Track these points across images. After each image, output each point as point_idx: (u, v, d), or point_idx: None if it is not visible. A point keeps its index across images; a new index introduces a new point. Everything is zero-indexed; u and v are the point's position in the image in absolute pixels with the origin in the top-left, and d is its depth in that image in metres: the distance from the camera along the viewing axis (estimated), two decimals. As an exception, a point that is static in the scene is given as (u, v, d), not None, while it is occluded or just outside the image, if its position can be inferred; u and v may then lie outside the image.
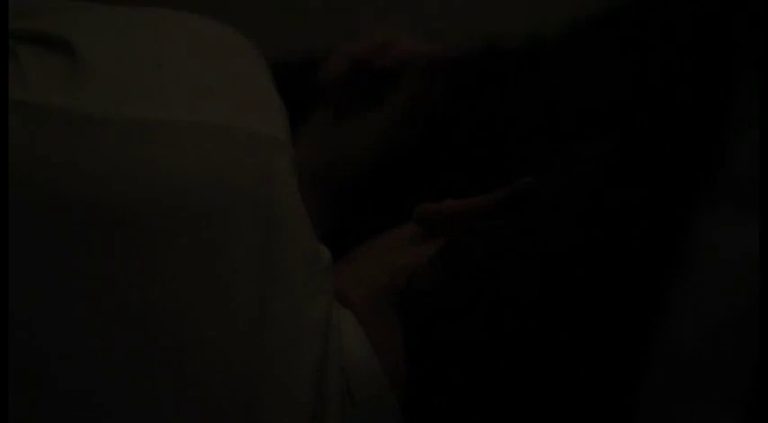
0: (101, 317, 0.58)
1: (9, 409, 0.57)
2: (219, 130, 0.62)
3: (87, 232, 0.58)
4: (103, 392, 0.58)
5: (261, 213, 0.61)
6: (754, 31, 0.79)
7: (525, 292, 0.68)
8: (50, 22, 0.65)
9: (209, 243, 0.60)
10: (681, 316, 0.70)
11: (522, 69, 0.94)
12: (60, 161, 0.58)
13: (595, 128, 0.81)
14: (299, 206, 0.64)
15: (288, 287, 0.62)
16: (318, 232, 0.66)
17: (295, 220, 0.63)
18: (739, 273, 0.71)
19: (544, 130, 0.85)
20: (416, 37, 0.92)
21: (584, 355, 0.70)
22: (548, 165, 0.80)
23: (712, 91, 0.78)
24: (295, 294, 0.62)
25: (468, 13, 1.36)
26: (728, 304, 0.70)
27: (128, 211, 0.58)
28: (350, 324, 0.66)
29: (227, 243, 0.60)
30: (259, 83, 0.68)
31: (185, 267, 0.59)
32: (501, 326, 0.67)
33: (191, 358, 0.59)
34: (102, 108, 0.60)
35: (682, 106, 0.78)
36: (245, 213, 0.61)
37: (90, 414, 0.58)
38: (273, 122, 0.65)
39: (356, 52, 0.90)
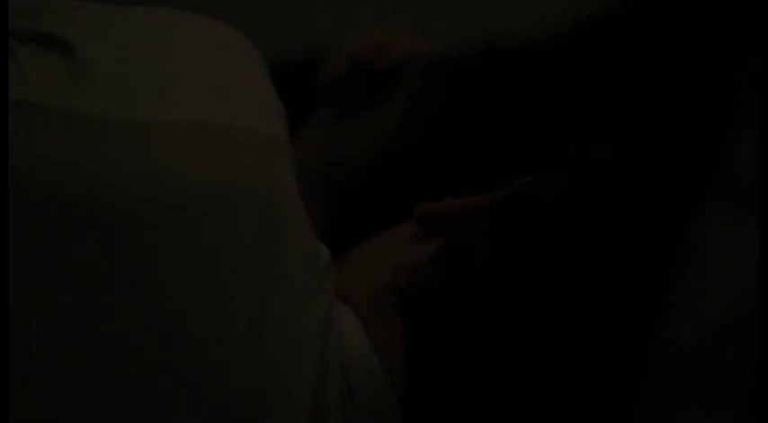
0: (101, 317, 0.58)
1: (9, 410, 0.57)
2: (219, 130, 0.62)
3: (87, 232, 0.58)
4: (103, 393, 0.58)
5: (261, 213, 0.61)
6: (754, 30, 0.79)
7: (525, 292, 0.68)
8: (50, 22, 0.65)
9: (209, 243, 0.60)
10: (681, 316, 0.70)
11: (522, 69, 0.94)
12: (60, 161, 0.58)
13: (595, 128, 0.81)
14: (299, 206, 0.64)
15: (288, 287, 0.62)
16: (318, 232, 0.66)
17: (295, 220, 0.63)
18: (739, 273, 0.71)
19: (544, 129, 0.85)
20: (416, 37, 0.92)
21: (585, 356, 0.70)
22: (548, 165, 0.80)
23: (712, 91, 0.78)
24: (295, 294, 0.62)
25: (468, 13, 1.36)
26: (728, 304, 0.70)
27: (128, 210, 0.58)
28: (349, 321, 0.66)
29: (227, 243, 0.60)
30: (258, 83, 0.68)
31: (185, 267, 0.59)
32: (501, 326, 0.67)
33: (191, 358, 0.59)
34: (102, 108, 0.60)
35: (682, 106, 0.78)
36: (245, 213, 0.61)
37: (90, 414, 0.58)
38: (273, 122, 0.65)
39: (356, 52, 0.90)
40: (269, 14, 1.36)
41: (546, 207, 0.72)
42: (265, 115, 0.65)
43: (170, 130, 0.61)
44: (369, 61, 0.90)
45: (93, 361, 0.58)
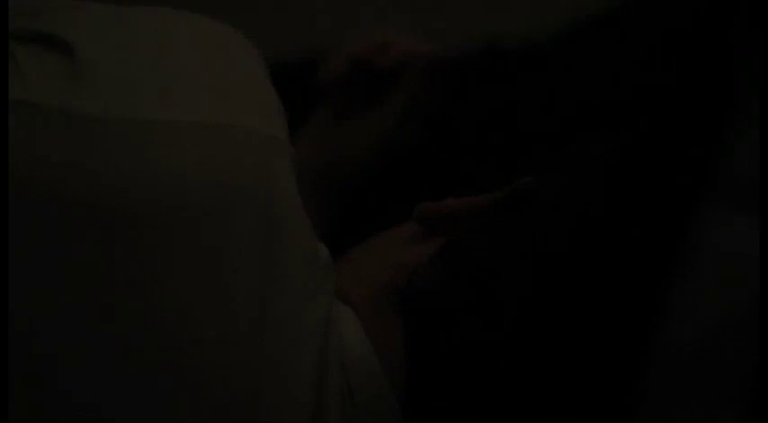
0: (101, 317, 0.58)
1: (9, 410, 0.57)
2: (219, 130, 0.62)
3: (87, 232, 0.58)
4: (103, 393, 0.58)
5: (261, 213, 0.61)
6: (754, 30, 0.79)
7: (525, 292, 0.68)
8: (50, 22, 0.65)
9: (209, 243, 0.60)
10: (681, 316, 0.70)
11: (522, 69, 0.94)
12: (60, 161, 0.58)
13: (595, 128, 0.81)
14: (298, 206, 0.64)
15: (288, 287, 0.62)
16: (318, 232, 0.66)
17: (295, 220, 0.63)
18: (739, 272, 0.71)
19: (544, 129, 0.85)
20: (416, 37, 0.92)
21: (585, 356, 0.70)
22: (548, 165, 0.80)
23: (712, 91, 0.78)
24: (295, 294, 0.62)
25: (468, 13, 1.36)
26: (728, 304, 0.70)
27: (128, 210, 0.58)
28: (349, 321, 0.66)
29: (227, 243, 0.60)
30: (258, 83, 0.68)
31: (185, 267, 0.59)
32: (501, 326, 0.67)
33: (191, 358, 0.59)
34: (102, 108, 0.60)
35: (681, 106, 0.78)
36: (245, 213, 0.61)
37: (90, 414, 0.58)
38: (273, 122, 0.65)
39: (356, 52, 0.90)
40: (269, 14, 1.36)
41: (546, 207, 0.72)
42: (265, 115, 0.65)
43: (170, 130, 0.61)
44: (369, 61, 0.90)
45: (93, 361, 0.58)
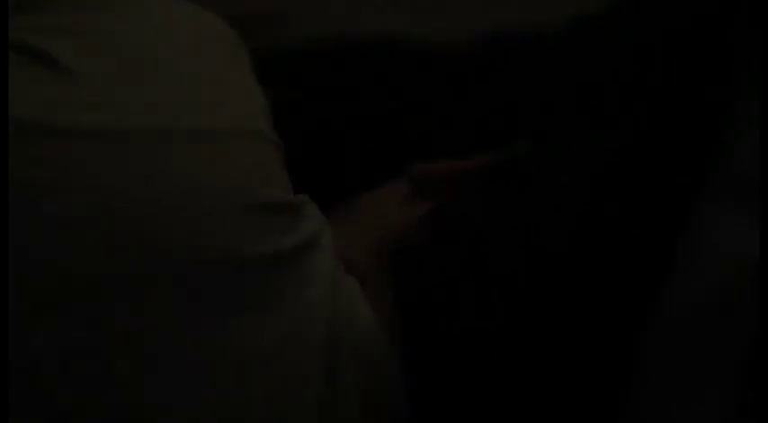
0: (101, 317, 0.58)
1: (9, 414, 0.57)
2: (219, 131, 0.62)
3: (87, 232, 0.58)
4: (104, 395, 0.58)
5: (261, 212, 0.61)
6: (754, 30, 0.79)
7: (524, 292, 0.68)
8: (36, 29, 0.63)
9: (209, 243, 0.60)
10: (681, 316, 0.70)
11: (523, 66, 0.93)
12: (60, 161, 0.58)
13: (595, 127, 0.81)
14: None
15: (290, 270, 0.62)
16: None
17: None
18: (739, 273, 0.70)
19: (543, 127, 0.85)
20: (416, 37, 0.92)
21: (583, 356, 0.70)
22: (548, 164, 0.80)
23: (712, 91, 0.78)
24: (297, 276, 0.62)
25: (468, 13, 1.36)
26: (728, 304, 0.70)
27: (128, 211, 0.58)
28: (356, 293, 0.66)
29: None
30: (246, 79, 0.68)
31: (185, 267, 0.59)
32: (494, 318, 0.67)
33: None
34: (99, 114, 0.59)
35: (681, 106, 0.78)
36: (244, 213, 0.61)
37: (91, 419, 0.58)
38: (262, 119, 0.65)
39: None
40: (268, 14, 1.35)
41: (545, 199, 0.71)
42: (264, 115, 0.66)
43: (170, 132, 0.61)
44: None
45: (92, 364, 0.58)
